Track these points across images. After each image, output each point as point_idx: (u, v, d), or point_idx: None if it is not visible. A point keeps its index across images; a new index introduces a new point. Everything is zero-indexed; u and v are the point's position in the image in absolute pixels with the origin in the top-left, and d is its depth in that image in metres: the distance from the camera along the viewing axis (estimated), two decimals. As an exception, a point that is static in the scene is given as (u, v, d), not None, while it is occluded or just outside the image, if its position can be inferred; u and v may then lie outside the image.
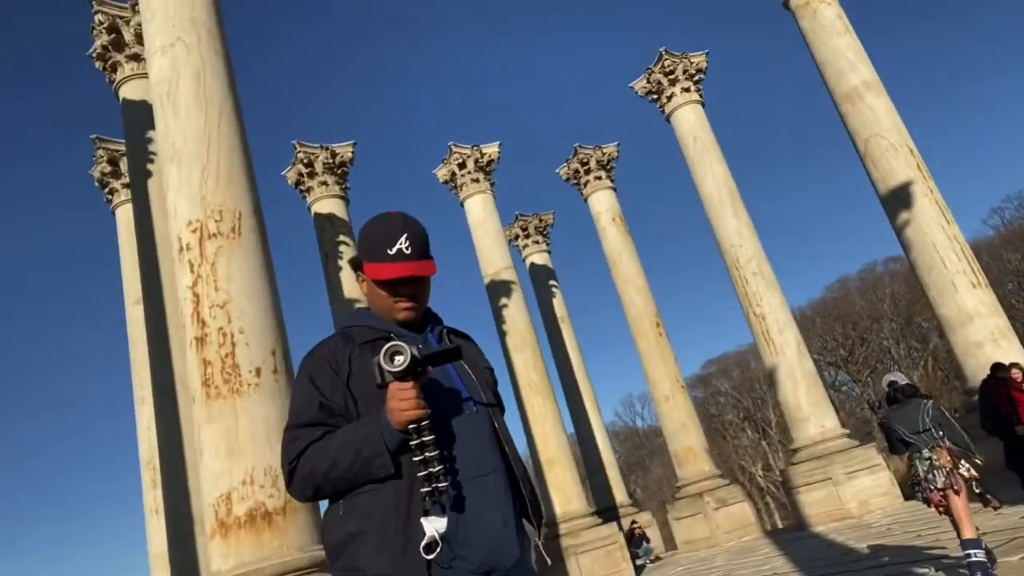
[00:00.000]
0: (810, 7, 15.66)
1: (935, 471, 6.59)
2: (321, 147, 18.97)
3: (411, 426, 1.80)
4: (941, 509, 6.67)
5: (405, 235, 2.05)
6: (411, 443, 1.81)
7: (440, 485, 1.78)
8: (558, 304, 25.73)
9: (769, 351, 16.58)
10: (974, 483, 6.58)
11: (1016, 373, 10.56)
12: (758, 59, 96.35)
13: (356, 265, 2.15)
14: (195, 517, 9.52)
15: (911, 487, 7.13)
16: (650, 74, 19.42)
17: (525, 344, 18.15)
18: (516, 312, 18.52)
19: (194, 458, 8.47)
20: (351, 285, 17.55)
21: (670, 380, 19.77)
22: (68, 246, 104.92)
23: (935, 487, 6.58)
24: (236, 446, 6.65)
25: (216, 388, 6.94)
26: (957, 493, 6.47)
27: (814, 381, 16.47)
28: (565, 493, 16.57)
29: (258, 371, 7.09)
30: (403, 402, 1.81)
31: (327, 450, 1.91)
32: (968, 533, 6.34)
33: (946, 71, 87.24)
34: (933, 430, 6.74)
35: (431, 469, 1.79)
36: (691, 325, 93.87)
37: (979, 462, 6.63)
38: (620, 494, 23.34)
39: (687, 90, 18.93)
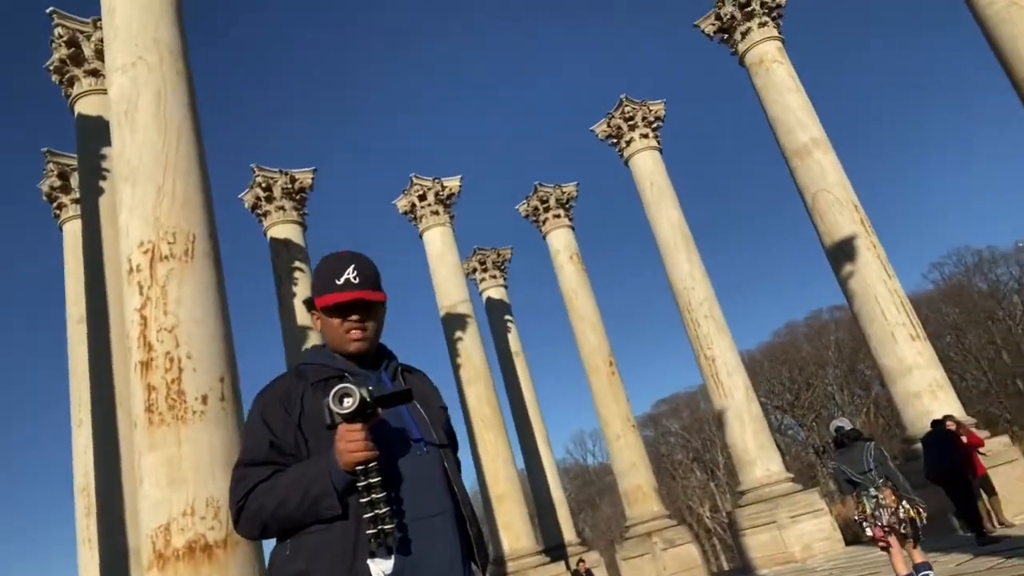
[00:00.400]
0: (764, 65, 16.32)
1: (881, 509, 7.17)
2: (281, 172, 18.84)
3: (359, 467, 1.81)
4: (882, 544, 7.27)
5: (353, 266, 2.11)
6: (358, 484, 1.81)
7: (386, 527, 1.79)
8: (513, 339, 25.78)
9: (719, 393, 16.86)
10: (911, 523, 7.09)
11: (951, 424, 10.99)
12: (716, 111, 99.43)
13: (309, 305, 2.19)
14: (131, 548, 9.15)
15: (858, 523, 7.67)
16: (611, 119, 19.89)
17: (479, 377, 18.11)
18: (471, 345, 18.50)
19: (133, 486, 8.18)
20: (304, 312, 17.32)
21: (621, 419, 19.90)
22: (8, 259, 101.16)
23: (880, 523, 7.16)
24: (178, 475, 6.46)
25: (160, 414, 6.75)
26: (898, 531, 7.05)
27: (761, 424, 16.77)
28: (514, 530, 16.44)
29: (204, 398, 6.93)
30: (351, 444, 1.81)
31: (275, 489, 1.90)
32: (902, 570, 6.93)
33: (893, 129, 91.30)
34: (875, 471, 7.24)
35: (377, 511, 1.79)
36: (644, 364, 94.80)
37: (922, 510, 7.14)
38: (569, 532, 23.22)
39: (645, 136, 19.44)
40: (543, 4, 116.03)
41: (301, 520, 1.90)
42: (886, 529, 7.13)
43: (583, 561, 20.57)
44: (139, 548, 7.07)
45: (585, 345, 20.79)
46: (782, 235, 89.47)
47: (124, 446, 9.79)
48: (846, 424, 7.99)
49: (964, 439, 11.15)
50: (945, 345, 45.37)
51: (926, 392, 13.62)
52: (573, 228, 22.71)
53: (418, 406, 2.14)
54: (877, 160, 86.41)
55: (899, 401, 14.21)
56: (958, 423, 11.24)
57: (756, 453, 16.17)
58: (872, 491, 7.26)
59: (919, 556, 7.11)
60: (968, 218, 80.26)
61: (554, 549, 21.39)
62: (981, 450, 11.79)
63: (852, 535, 15.56)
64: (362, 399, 1.82)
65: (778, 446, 18.54)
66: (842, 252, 14.78)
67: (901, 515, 7.08)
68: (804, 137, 15.51)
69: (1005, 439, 13.99)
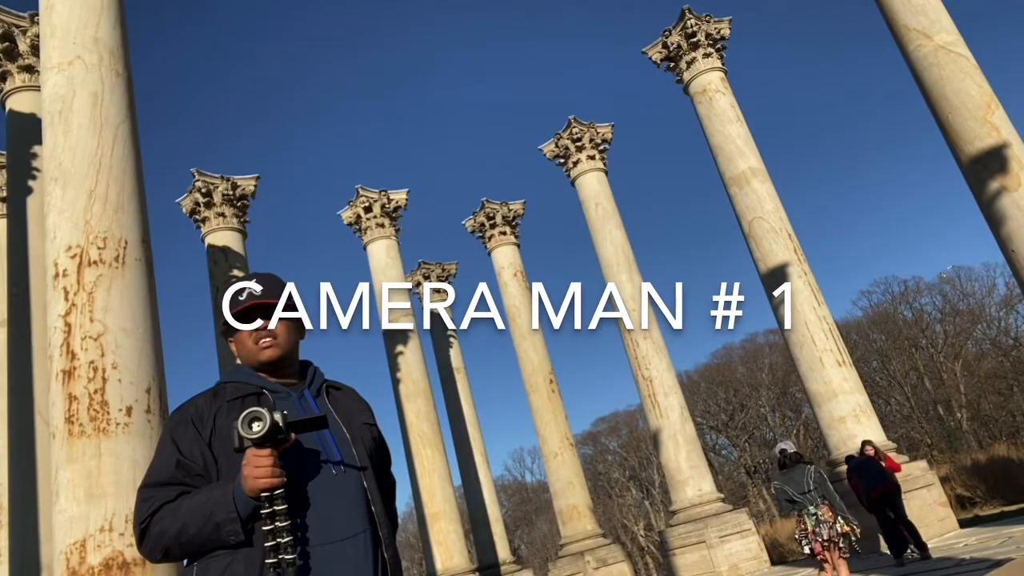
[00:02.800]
0: (707, 94, 16.85)
1: (821, 525, 7.82)
2: (222, 178, 18.47)
3: (264, 494, 1.79)
4: (821, 558, 7.94)
5: (255, 280, 2.19)
6: (262, 512, 1.79)
7: (286, 557, 1.77)
8: (455, 354, 25.73)
9: (655, 413, 17.16)
10: (849, 537, 7.73)
11: (869, 449, 11.48)
12: (662, 136, 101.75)
13: (226, 332, 2.23)
14: (43, 564, 8.75)
15: (797, 541, 8.40)
16: (559, 139, 20.19)
17: (418, 393, 18.01)
18: (412, 360, 18.40)
19: (49, 500, 7.85)
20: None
21: (559, 437, 20.04)
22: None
23: (821, 539, 7.81)
24: (97, 490, 6.23)
25: (81, 426, 6.52)
26: (837, 544, 7.66)
27: (695, 445, 17.13)
28: (448, 548, 16.33)
29: (129, 410, 6.72)
30: (257, 469, 1.79)
31: (179, 512, 1.88)
32: None
33: (826, 160, 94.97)
34: (815, 491, 7.97)
35: (279, 540, 1.77)
36: (584, 382, 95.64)
37: (855, 527, 7.82)
38: (503, 550, 23.16)
39: (592, 158, 19.79)
40: (497, 21, 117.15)
41: (204, 545, 1.87)
42: (826, 544, 7.77)
43: (517, 580, 20.55)
44: (52, 564, 6.79)
45: (527, 363, 20.90)
46: (721, 258, 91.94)
47: (41, 458, 9.38)
48: (790, 447, 8.64)
49: (883, 464, 11.62)
50: (871, 370, 47.21)
51: (850, 417, 14.15)
52: (519, 245, 22.89)
53: (340, 424, 2.13)
54: (812, 189, 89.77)
55: (824, 425, 14.72)
56: (876, 448, 11.72)
57: (688, 473, 16.49)
58: (812, 509, 7.88)
59: (845, 572, 7.66)
60: (896, 249, 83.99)
61: (488, 568, 21.31)
62: (898, 475, 12.31)
63: (778, 555, 16.01)
64: (272, 424, 1.80)
65: (711, 465, 18.96)
66: (775, 279, 15.29)
67: (838, 529, 7.72)
68: (743, 165, 16.04)
69: (923, 464, 14.62)
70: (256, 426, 1.80)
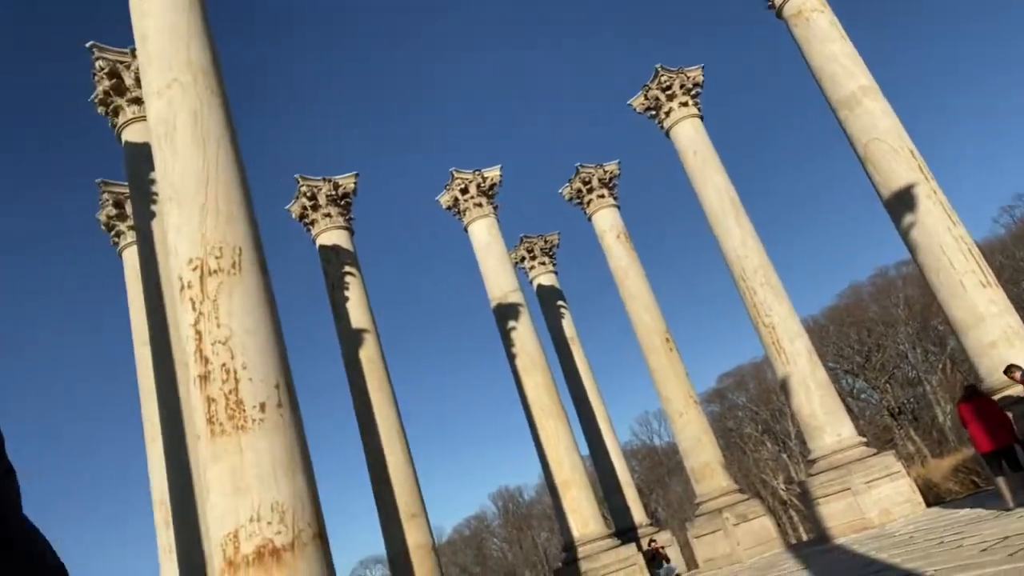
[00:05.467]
0: (803, 15, 15.71)
1: None
2: (324, 179, 19.12)
3: None
4: None
5: None
6: None
7: None
8: (567, 325, 25.65)
9: (780, 361, 16.42)
10: None
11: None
12: (754, 69, 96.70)
13: None
14: (207, 556, 9.46)
15: None
16: (647, 91, 19.51)
17: (535, 366, 18.07)
18: (524, 334, 18.47)
19: (203, 498, 8.43)
20: (358, 315, 17.59)
21: (683, 395, 19.61)
22: (78, 293, 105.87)
23: None
24: (242, 484, 6.60)
25: (220, 425, 6.92)
26: None
27: (828, 390, 16.27)
28: (581, 515, 16.39)
29: (262, 406, 7.07)
30: None
31: None
32: None
33: (947, 72, 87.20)
34: None
35: None
36: (704, 339, 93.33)
37: None
38: (639, 514, 23.05)
39: (685, 104, 18.99)
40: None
41: None
42: None
43: (654, 541, 20.39)
44: (212, 556, 7.28)
45: (640, 325, 20.54)
46: (836, 192, 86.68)
47: (192, 459, 10.10)
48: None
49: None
50: (1022, 291, 43.27)
51: (1001, 340, 12.95)
52: (618, 207, 22.43)
53: None
54: (934, 105, 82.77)
55: (972, 353, 13.57)
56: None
57: (824, 419, 15.70)
58: None
59: None
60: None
61: (625, 532, 21.27)
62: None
63: (934, 496, 15.00)
64: None
65: (850, 411, 17.97)
66: (901, 203, 14.16)
67: None
68: (852, 85, 14.88)
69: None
70: None
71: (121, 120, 13.95)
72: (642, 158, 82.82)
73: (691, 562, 21.45)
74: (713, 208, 17.76)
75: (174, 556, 11.08)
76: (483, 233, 19.66)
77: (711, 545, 17.83)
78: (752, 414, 57.93)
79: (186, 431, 10.42)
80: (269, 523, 6.42)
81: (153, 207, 13.01)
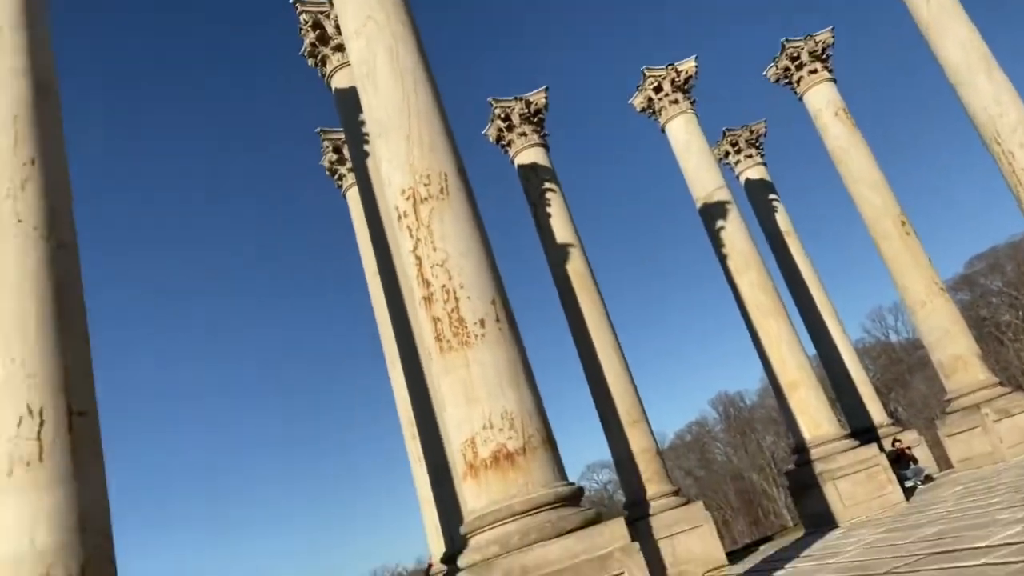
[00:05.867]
0: None
1: None
2: (515, 99, 19.19)
3: None
4: None
5: None
6: None
7: None
8: (781, 219, 23.97)
9: (1050, 236, 14.07)
10: None
11: None
12: None
13: None
14: (450, 461, 10.38)
15: None
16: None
17: (748, 265, 17.18)
18: (734, 233, 17.55)
19: (440, 408, 9.19)
20: (562, 230, 17.76)
21: (924, 282, 17.64)
22: (317, 237, 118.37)
23: None
24: (472, 394, 7.07)
25: (447, 342, 7.40)
26: None
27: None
28: (812, 416, 15.61)
29: (482, 322, 7.44)
30: None
31: None
32: None
33: None
34: None
35: None
36: (946, 223, 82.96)
37: None
38: (878, 414, 21.51)
39: (909, -51, 16.28)
40: None
41: None
42: None
43: (899, 441, 19.01)
44: (454, 462, 7.95)
45: (867, 209, 18.60)
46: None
47: (427, 375, 11.00)
48: None
49: None
50: None
51: None
52: (835, 80, 20.14)
53: None
54: None
55: None
56: None
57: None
58: None
59: None
60: None
61: (863, 432, 20.02)
62: None
63: None
64: None
65: None
66: None
67: None
68: None
69: None
70: None
71: (328, 68, 14.89)
72: (857, 22, 73.34)
73: (942, 462, 19.77)
74: (955, 64, 15.24)
75: (423, 463, 12.32)
76: (681, 131, 18.71)
77: (966, 444, 16.22)
78: (1011, 299, 51.01)
79: (419, 351, 11.33)
80: (501, 430, 6.85)
81: (366, 147, 13.91)
